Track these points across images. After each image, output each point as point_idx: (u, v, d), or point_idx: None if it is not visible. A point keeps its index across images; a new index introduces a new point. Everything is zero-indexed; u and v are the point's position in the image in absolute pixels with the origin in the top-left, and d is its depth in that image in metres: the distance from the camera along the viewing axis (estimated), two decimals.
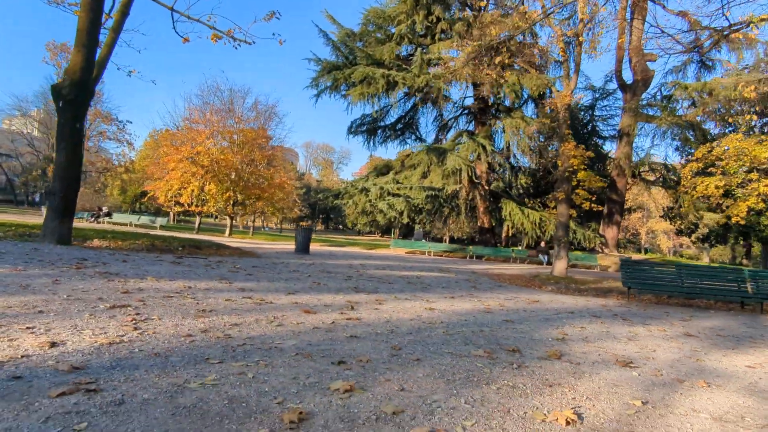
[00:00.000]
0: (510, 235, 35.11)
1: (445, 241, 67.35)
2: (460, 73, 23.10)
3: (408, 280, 9.60)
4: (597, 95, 33.75)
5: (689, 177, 17.34)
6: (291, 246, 23.01)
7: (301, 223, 25.92)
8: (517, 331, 4.93)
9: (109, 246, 11.96)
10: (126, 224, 28.97)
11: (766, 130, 29.51)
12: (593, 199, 27.63)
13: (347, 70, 26.47)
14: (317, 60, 27.36)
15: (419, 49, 25.03)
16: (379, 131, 32.12)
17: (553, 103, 15.39)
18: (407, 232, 77.96)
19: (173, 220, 54.44)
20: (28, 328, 3.29)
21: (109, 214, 29.56)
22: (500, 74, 23.43)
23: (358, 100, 26.01)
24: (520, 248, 28.85)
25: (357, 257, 17.16)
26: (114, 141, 52.55)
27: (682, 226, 35.45)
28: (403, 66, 26.64)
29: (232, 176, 30.28)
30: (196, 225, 34.65)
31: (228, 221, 33.18)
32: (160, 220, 29.96)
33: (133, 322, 3.75)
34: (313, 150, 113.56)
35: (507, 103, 29.34)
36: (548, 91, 27.45)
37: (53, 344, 2.97)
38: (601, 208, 20.24)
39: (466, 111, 31.13)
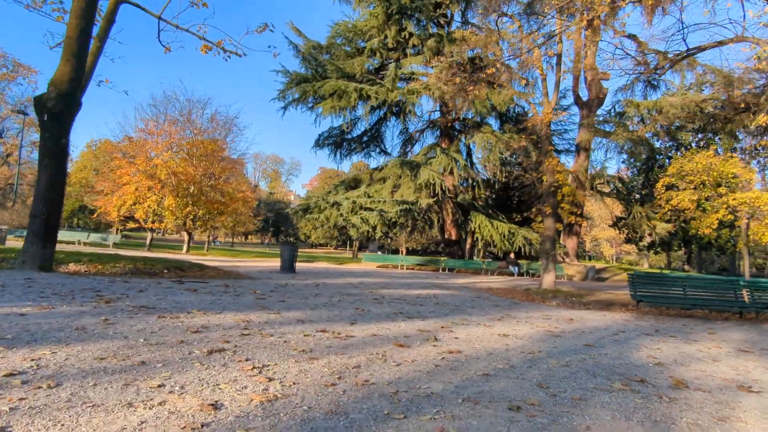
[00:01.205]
0: (470, 246, 35.78)
1: (402, 253, 67.74)
2: (435, 89, 23.40)
3: (429, 300, 9.41)
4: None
5: (663, 190, 18.40)
6: (265, 263, 22.20)
7: (286, 239, 25.04)
8: (611, 356, 4.89)
9: (89, 271, 10.94)
10: (73, 242, 26.76)
11: (701, 144, 32.07)
12: (578, 212, 28.76)
13: (317, 83, 26.12)
14: (285, 72, 26.79)
15: (394, 63, 25.15)
16: (345, 144, 31.86)
17: (535, 120, 15.86)
18: (361, 246, 77.71)
19: (118, 237, 51.18)
20: (159, 386, 2.84)
21: None
22: (472, 90, 23.98)
23: (328, 113, 25.68)
24: (488, 260, 29.36)
25: (346, 275, 16.76)
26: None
27: (630, 235, 37.70)
28: (375, 80, 26.65)
29: (191, 190, 28.91)
30: (148, 241, 32.64)
31: (186, 237, 31.59)
32: (113, 238, 27.96)
33: (256, 370, 3.35)
34: (262, 161, 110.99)
35: (471, 116, 30.05)
36: (513, 107, 28.41)
37: (215, 406, 2.57)
38: (582, 222, 21.01)
39: (432, 125, 31.52)
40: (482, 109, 23.99)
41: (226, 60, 12.72)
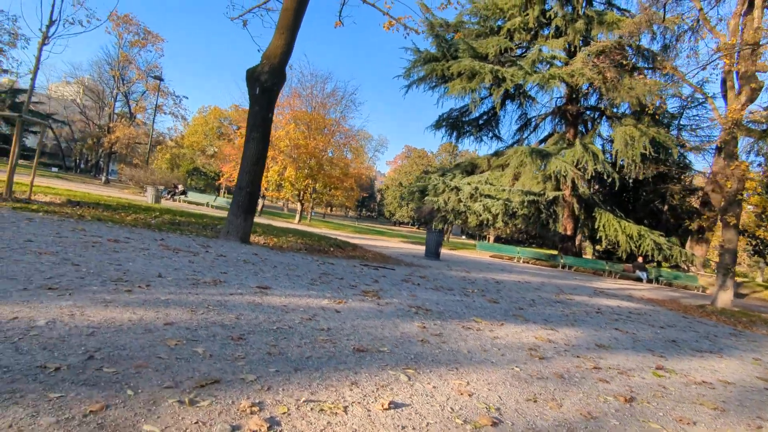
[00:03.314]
0: (578, 243, 33.75)
1: (488, 240, 66.07)
2: (579, 75, 21.75)
3: (633, 316, 8.50)
4: (685, 103, 31.98)
5: None
6: (388, 243, 22.23)
7: (435, 225, 24.92)
8: None
9: (267, 243, 11.15)
10: (203, 204, 28.38)
11: None
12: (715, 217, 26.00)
13: (447, 63, 25.25)
14: (416, 50, 26.17)
15: (536, 45, 23.66)
16: (464, 126, 30.91)
17: (723, 119, 14.01)
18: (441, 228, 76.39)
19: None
20: None
21: (184, 192, 29.00)
22: (620, 79, 22.04)
23: (458, 93, 24.82)
24: (602, 261, 27.44)
25: (483, 267, 16.11)
26: (170, 115, 52.14)
27: (759, 246, 33.88)
28: (507, 62, 25.34)
29: (311, 162, 29.47)
30: (259, 207, 33.91)
31: (298, 207, 32.50)
32: None
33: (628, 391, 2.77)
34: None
35: (605, 106, 27.88)
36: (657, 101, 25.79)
37: None
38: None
39: (557, 113, 29.63)
40: (632, 100, 21.93)
41: (405, 37, 12.35)
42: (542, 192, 23.74)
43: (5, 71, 35.17)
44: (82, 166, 62.40)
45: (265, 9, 13.00)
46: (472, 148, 60.21)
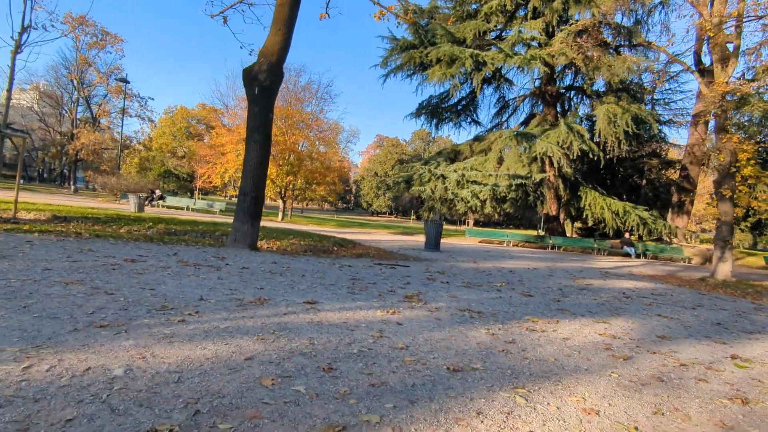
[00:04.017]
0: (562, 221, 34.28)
1: (467, 224, 66.65)
2: (559, 55, 21.83)
3: (633, 294, 8.55)
4: (657, 78, 32.63)
5: None
6: (379, 236, 22.04)
7: (428, 215, 24.67)
8: None
9: (271, 247, 10.80)
10: (182, 208, 27.50)
11: None
12: (694, 190, 26.60)
13: (425, 49, 24.98)
14: (392, 38, 25.80)
15: (516, 27, 23.57)
16: (443, 113, 30.77)
17: (713, 91, 14.22)
18: (416, 213, 76.79)
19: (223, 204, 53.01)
20: None
21: (162, 197, 28.03)
22: (600, 57, 22.21)
23: (438, 80, 24.62)
24: (586, 238, 27.94)
25: (481, 254, 16.09)
26: (136, 118, 50.31)
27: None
28: (484, 45, 25.26)
29: (290, 158, 28.89)
30: None
31: (281, 205, 31.91)
32: (219, 205, 28.46)
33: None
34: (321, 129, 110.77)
35: (580, 84, 28.20)
36: (633, 77, 26.18)
37: None
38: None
39: (536, 94, 29.77)
40: (612, 77, 22.15)
41: (398, 26, 11.96)
42: (529, 175, 23.87)
43: None
44: (45, 175, 59.79)
45: (247, 4, 12.46)
46: (450, 134, 60.32)
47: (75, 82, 47.30)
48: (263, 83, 8.60)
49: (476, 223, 65.56)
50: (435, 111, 30.37)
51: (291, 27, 8.79)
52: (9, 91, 9.46)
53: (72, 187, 41.73)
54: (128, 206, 20.56)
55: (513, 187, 23.68)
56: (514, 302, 6.00)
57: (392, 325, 4.11)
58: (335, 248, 11.93)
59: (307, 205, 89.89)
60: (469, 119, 32.99)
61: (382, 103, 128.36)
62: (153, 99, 65.99)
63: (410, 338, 3.73)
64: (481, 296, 6.20)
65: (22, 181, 46.60)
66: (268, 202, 60.08)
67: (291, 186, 29.24)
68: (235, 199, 36.06)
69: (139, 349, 2.88)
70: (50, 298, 3.80)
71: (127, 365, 2.60)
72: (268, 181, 28.35)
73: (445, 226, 60.28)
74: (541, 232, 30.29)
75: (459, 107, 31.76)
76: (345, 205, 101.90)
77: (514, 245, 25.89)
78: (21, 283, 4.20)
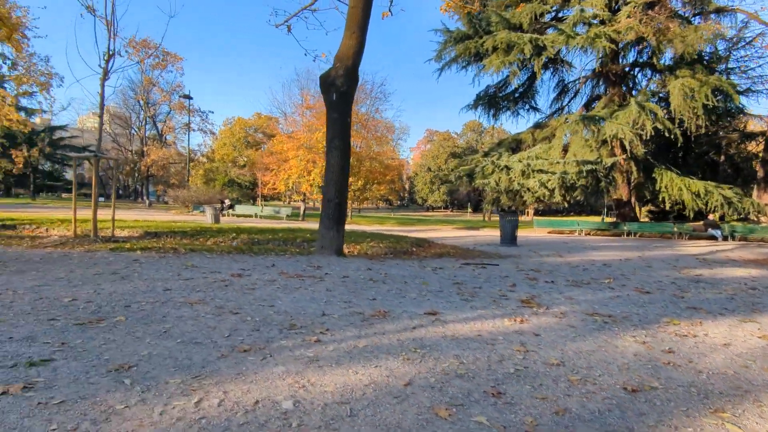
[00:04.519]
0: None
1: (527, 214, 64.61)
2: (627, 30, 20.54)
3: (757, 284, 7.71)
4: (730, 44, 30.01)
5: None
6: (449, 232, 21.71)
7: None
8: None
9: (352, 252, 10.77)
10: (251, 215, 28.38)
11: None
12: None
13: (480, 39, 24.29)
14: (446, 30, 25.30)
15: (576, 6, 22.43)
16: (500, 102, 29.87)
17: None
18: (476, 208, 75.50)
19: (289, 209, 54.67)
20: None
21: (232, 206, 29.04)
22: (673, 29, 20.73)
23: (496, 68, 23.91)
24: (661, 222, 26.17)
25: (561, 247, 15.36)
26: (199, 132, 52.63)
27: None
28: (540, 28, 24.25)
29: (351, 160, 28.99)
30: (301, 212, 33.83)
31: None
32: (285, 210, 29.11)
33: None
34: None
35: (646, 59, 26.46)
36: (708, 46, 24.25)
37: None
38: None
39: (599, 74, 28.24)
40: (686, 48, 20.58)
41: (451, 17, 11.55)
42: (599, 159, 22.67)
43: (44, 111, 35.85)
44: (120, 192, 63.78)
45: (310, 10, 12.50)
46: (504, 123, 58.81)
47: (142, 102, 50.14)
48: (341, 88, 8.53)
49: (535, 213, 63.48)
50: (492, 100, 29.54)
51: (364, 29, 8.65)
52: (101, 116, 9.90)
53: (146, 201, 44.19)
54: (201, 217, 21.41)
55: (583, 174, 22.58)
56: (636, 301, 5.54)
57: (529, 336, 3.84)
58: (414, 249, 11.76)
59: (362, 204, 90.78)
60: (527, 106, 31.87)
61: (430, 98, 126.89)
62: (213, 112, 68.82)
63: (558, 351, 3.44)
64: (596, 296, 5.78)
65: (102, 199, 50.03)
66: (317, 204, 61.05)
67: (352, 187, 29.36)
68: (298, 203, 36.92)
69: (294, 376, 2.78)
70: (184, 321, 3.83)
71: (291, 396, 2.50)
72: None
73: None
74: (610, 219, 28.80)
75: (516, 95, 30.73)
76: (400, 202, 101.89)
77: (586, 234, 24.71)
78: (151, 306, 4.29)
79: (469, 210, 75.03)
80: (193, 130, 49.56)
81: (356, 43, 8.53)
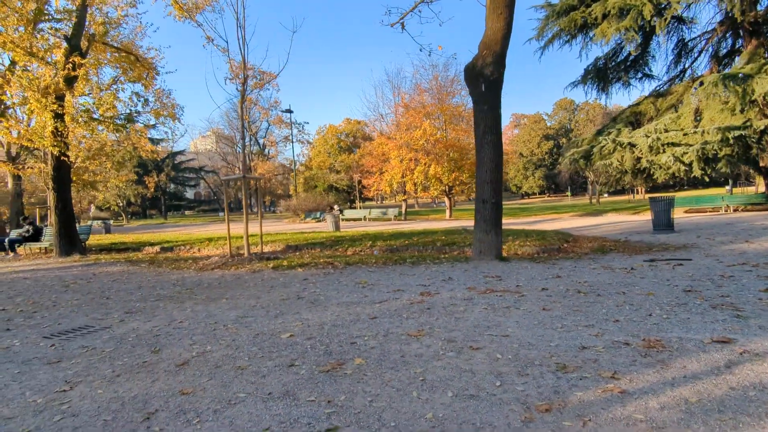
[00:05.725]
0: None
1: (637, 193, 59.17)
2: None
3: None
4: None
5: None
6: (572, 221, 20.16)
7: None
8: None
9: (509, 255, 9.97)
10: (360, 219, 28.67)
11: None
12: None
13: (587, 8, 22.24)
14: (548, 5, 23.53)
15: None
16: (609, 74, 27.23)
17: None
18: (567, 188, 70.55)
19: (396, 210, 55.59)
20: None
21: (341, 211, 29.54)
22: None
23: (610, 37, 21.72)
24: None
25: (731, 231, 13.34)
26: (297, 143, 54.67)
27: None
28: None
29: (453, 154, 28.14)
30: (403, 211, 33.47)
31: (447, 202, 31.43)
32: (392, 211, 29.03)
33: None
34: None
35: None
36: None
37: None
38: None
39: (728, 27, 24.64)
40: None
41: None
42: (747, 123, 19.70)
43: (169, 139, 39.20)
44: (232, 205, 68.41)
45: (426, 3, 11.87)
46: (618, 96, 54.20)
47: (245, 121, 53.31)
48: (490, 77, 7.79)
49: (647, 191, 57.80)
50: (600, 73, 27.03)
51: (512, 7, 7.82)
52: (243, 138, 10.11)
53: (259, 212, 46.78)
54: (317, 224, 21.83)
55: (729, 142, 19.75)
56: None
57: None
58: (564, 245, 10.73)
59: (468, 197, 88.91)
60: (640, 74, 28.75)
61: (514, 82, 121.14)
62: (308, 123, 71.34)
63: None
64: None
65: (220, 213, 53.68)
66: (426, 200, 60.58)
67: (458, 182, 28.48)
68: (398, 203, 36.73)
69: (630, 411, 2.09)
70: (429, 363, 3.36)
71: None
72: (434, 180, 28.08)
73: (614, 198, 54.69)
74: (748, 190, 25.07)
75: (628, 63, 27.86)
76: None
77: (734, 210, 21.67)
78: (375, 341, 3.90)
79: (568, 194, 70.51)
80: (292, 142, 51.44)
81: (504, 24, 7.73)
